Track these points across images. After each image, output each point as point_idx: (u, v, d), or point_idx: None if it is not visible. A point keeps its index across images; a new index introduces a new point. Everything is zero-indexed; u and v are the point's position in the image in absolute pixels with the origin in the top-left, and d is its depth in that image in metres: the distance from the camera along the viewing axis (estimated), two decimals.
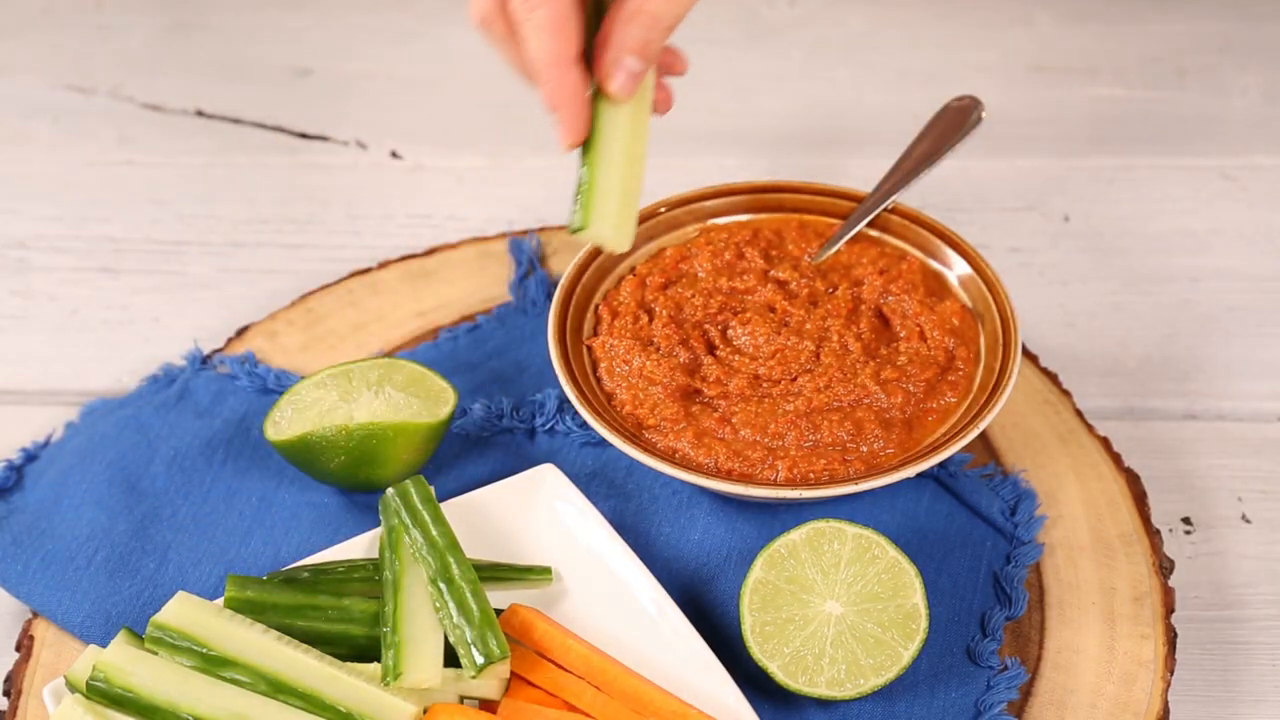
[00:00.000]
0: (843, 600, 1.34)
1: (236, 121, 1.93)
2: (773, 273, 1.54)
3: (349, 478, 1.46)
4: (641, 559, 1.43)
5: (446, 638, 1.33)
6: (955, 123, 1.58)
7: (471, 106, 1.95)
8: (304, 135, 1.91)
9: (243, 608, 1.34)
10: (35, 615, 1.43)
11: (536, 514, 1.45)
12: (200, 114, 1.94)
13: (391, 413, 1.44)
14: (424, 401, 1.47)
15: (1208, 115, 1.91)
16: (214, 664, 1.29)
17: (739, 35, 2.03)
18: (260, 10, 2.08)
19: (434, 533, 1.37)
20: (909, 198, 1.79)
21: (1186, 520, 1.52)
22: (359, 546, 1.42)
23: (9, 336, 1.69)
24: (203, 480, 1.51)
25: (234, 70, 1.99)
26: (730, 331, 1.50)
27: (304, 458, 1.45)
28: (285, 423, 1.46)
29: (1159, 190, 1.83)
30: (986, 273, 1.52)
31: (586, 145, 1.32)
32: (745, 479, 1.40)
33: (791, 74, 1.98)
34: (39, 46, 2.03)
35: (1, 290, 1.74)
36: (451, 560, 1.36)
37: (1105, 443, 1.53)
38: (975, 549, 1.46)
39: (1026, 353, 1.61)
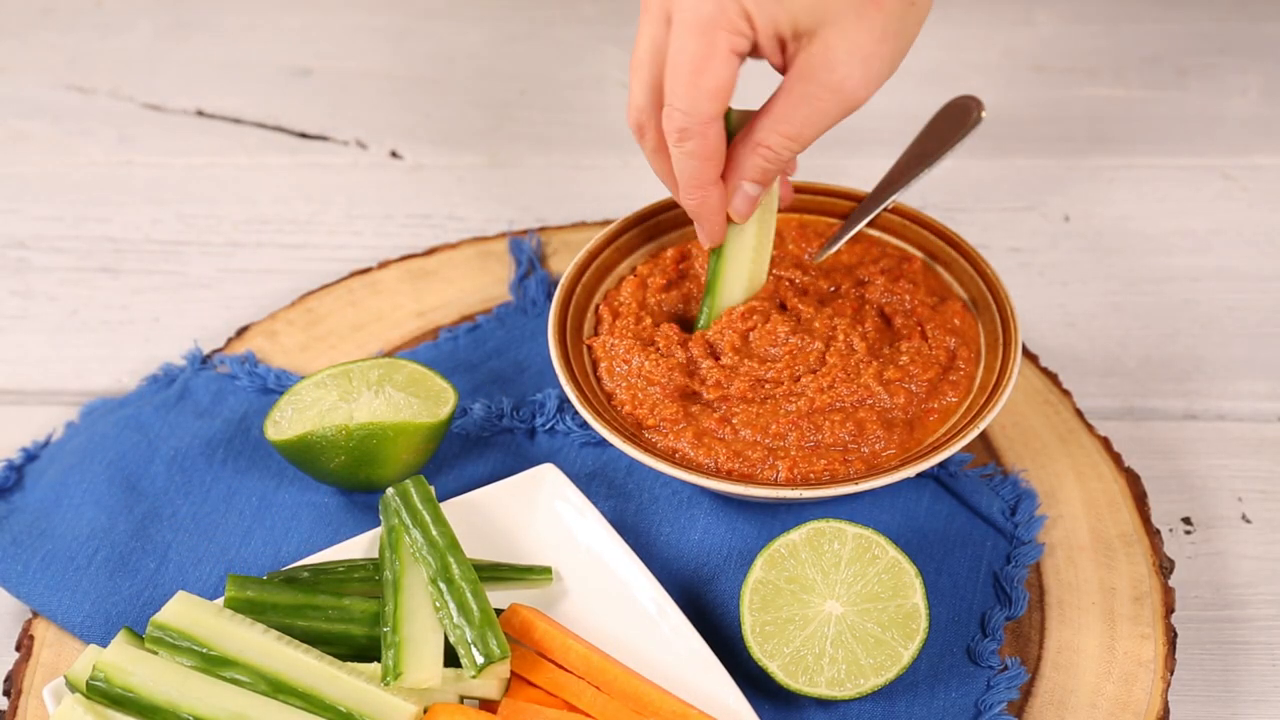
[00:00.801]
0: (843, 600, 1.34)
1: (237, 121, 1.93)
2: (775, 272, 1.54)
3: (349, 477, 1.46)
4: (641, 559, 1.43)
5: (447, 637, 1.33)
6: (955, 122, 1.58)
7: (471, 106, 1.95)
8: (304, 135, 1.91)
9: (243, 607, 1.34)
10: (35, 615, 1.43)
11: (536, 514, 1.45)
12: (200, 114, 1.94)
13: (392, 413, 1.44)
14: (424, 401, 1.47)
15: (1207, 115, 1.92)
16: (214, 664, 1.29)
17: None
18: (260, 10, 2.08)
19: (434, 532, 1.37)
20: (909, 197, 1.79)
21: (1186, 520, 1.52)
22: (359, 546, 1.42)
23: (9, 336, 1.69)
24: (203, 480, 1.51)
25: (234, 70, 1.99)
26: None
27: (304, 457, 1.45)
28: (285, 422, 1.46)
29: (1159, 190, 1.83)
30: (987, 273, 1.52)
31: (718, 250, 1.48)
32: (745, 479, 1.40)
33: None
34: (39, 46, 2.03)
35: (1, 290, 1.74)
36: (451, 560, 1.36)
37: (1105, 442, 1.54)
38: (975, 549, 1.46)
39: (1027, 352, 1.61)
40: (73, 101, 1.95)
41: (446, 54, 2.02)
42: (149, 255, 1.78)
